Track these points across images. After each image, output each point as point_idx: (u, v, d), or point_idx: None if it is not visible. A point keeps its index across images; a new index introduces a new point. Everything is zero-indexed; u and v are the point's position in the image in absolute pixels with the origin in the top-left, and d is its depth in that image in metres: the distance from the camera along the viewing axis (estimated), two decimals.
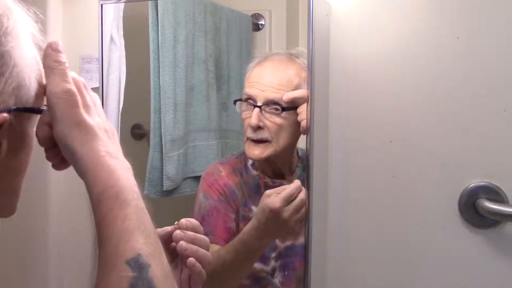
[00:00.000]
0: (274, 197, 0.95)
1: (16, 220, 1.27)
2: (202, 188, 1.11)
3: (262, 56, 1.08)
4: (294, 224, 0.95)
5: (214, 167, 1.12)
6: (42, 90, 0.58)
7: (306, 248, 0.98)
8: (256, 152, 1.04)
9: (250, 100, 1.04)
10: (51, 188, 1.31)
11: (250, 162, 1.10)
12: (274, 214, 0.94)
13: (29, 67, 0.55)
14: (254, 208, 1.06)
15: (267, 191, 0.97)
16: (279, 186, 1.03)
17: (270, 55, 1.08)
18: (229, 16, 1.21)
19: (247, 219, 1.05)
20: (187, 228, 0.70)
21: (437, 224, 0.98)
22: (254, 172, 1.10)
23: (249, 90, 1.04)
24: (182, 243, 0.68)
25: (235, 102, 1.09)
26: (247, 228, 0.99)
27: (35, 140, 0.59)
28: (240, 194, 1.08)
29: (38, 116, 0.58)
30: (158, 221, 1.32)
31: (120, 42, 1.20)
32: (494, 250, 0.96)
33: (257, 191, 1.08)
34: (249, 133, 1.04)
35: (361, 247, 1.04)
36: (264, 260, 1.06)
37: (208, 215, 1.07)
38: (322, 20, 1.01)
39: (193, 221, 0.72)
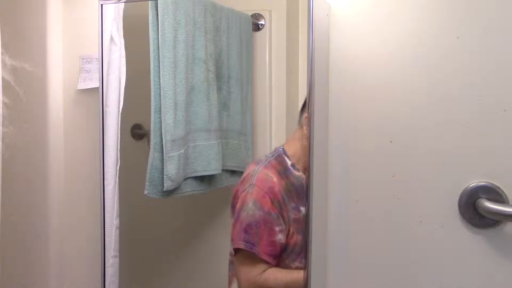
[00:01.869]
0: None
1: (16, 220, 1.28)
2: (254, 195, 1.10)
3: None
4: None
5: (263, 172, 1.12)
6: None
7: (306, 248, 0.98)
8: None
9: None
10: (51, 188, 1.31)
11: (289, 163, 1.11)
12: None
13: None
14: (302, 209, 1.08)
15: None
16: None
17: None
18: (229, 16, 1.21)
19: (297, 222, 1.08)
20: None
21: (437, 224, 0.98)
22: (297, 173, 1.11)
23: None
24: None
25: None
26: None
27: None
28: (288, 198, 1.10)
29: None
30: (158, 221, 1.33)
31: (120, 42, 1.20)
32: (494, 250, 0.96)
33: (302, 192, 1.09)
34: None
35: (361, 247, 1.04)
36: (299, 258, 1.08)
37: (256, 226, 1.09)
38: (322, 20, 1.01)
39: None
